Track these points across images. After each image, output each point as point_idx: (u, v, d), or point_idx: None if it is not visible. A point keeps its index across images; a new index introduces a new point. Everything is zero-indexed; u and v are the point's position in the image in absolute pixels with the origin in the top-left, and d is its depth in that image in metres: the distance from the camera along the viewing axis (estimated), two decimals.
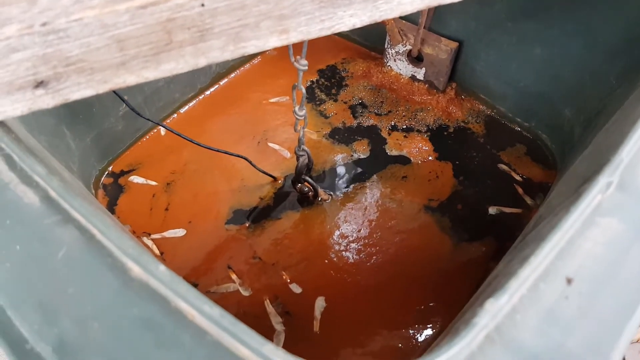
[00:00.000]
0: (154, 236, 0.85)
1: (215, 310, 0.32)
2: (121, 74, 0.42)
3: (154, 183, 0.92)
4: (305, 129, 0.97)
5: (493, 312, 0.31)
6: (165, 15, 0.39)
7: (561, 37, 0.84)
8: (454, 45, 0.95)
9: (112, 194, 0.90)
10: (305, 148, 0.79)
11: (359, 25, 0.46)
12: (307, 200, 0.89)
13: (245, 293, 0.78)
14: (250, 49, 0.44)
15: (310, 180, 0.84)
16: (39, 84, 0.40)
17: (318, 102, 1.06)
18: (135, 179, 0.92)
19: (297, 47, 0.60)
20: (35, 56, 0.39)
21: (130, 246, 0.36)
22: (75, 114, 0.83)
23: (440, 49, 0.96)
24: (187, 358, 0.32)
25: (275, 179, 0.91)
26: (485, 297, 0.37)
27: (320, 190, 0.88)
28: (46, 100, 0.42)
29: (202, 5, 0.40)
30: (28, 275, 0.36)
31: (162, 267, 0.34)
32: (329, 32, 0.46)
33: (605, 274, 0.34)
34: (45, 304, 0.35)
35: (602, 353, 0.31)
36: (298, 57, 0.64)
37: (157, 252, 0.83)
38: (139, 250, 0.36)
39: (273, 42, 0.45)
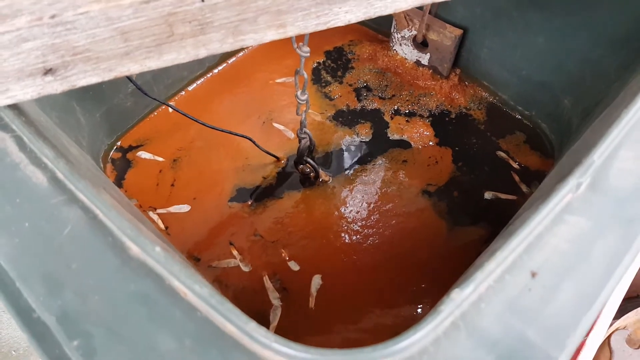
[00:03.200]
0: (159, 211, 0.88)
1: (205, 290, 0.35)
2: (125, 63, 0.44)
3: (160, 159, 0.95)
4: (310, 111, 0.99)
5: (458, 301, 0.34)
6: (167, 10, 0.42)
7: (565, 28, 0.85)
8: (458, 32, 0.95)
9: (120, 168, 0.93)
10: (307, 131, 0.81)
11: (354, 20, 0.48)
12: (308, 181, 0.92)
13: (245, 269, 0.82)
14: (249, 42, 0.47)
15: (311, 161, 0.87)
16: (48, 71, 0.43)
17: (323, 84, 1.07)
18: (143, 154, 0.95)
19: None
20: (45, 45, 0.41)
21: (129, 227, 0.39)
22: (86, 90, 0.86)
23: (445, 36, 0.97)
24: (178, 332, 0.35)
25: (278, 159, 0.94)
26: (457, 285, 0.39)
27: (322, 172, 0.91)
28: (54, 86, 0.44)
29: (202, 0, 0.42)
30: (35, 251, 0.40)
31: (157, 248, 0.37)
32: (325, 27, 0.48)
33: (568, 269, 0.37)
34: (51, 277, 0.38)
35: (558, 341, 0.34)
36: (300, 43, 0.65)
37: (162, 226, 0.86)
38: (137, 231, 0.39)
39: (271, 35, 0.47)
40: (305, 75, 0.70)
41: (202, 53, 0.46)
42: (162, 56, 0.45)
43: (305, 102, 0.74)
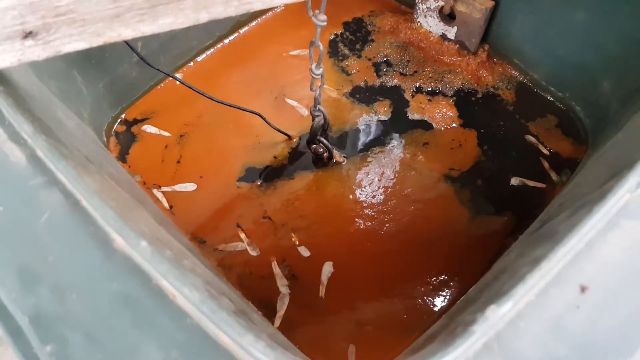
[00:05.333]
0: (164, 189, 0.83)
1: (195, 294, 0.30)
2: (115, 27, 0.39)
3: (167, 134, 0.90)
4: (325, 86, 0.93)
5: (494, 320, 0.29)
6: None
7: (606, 2, 0.77)
8: (489, 4, 0.88)
9: (125, 142, 0.89)
10: (322, 108, 0.75)
11: None
12: (321, 162, 0.86)
13: (253, 253, 0.77)
14: (257, 5, 0.41)
15: (325, 141, 0.81)
16: (28, 35, 0.38)
17: (340, 58, 1.01)
18: (149, 128, 0.90)
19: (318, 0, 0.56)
20: (22, 5, 0.36)
21: (114, 216, 0.34)
22: (88, 58, 0.81)
23: (475, 8, 0.89)
24: (165, 340, 0.30)
25: (290, 137, 0.88)
26: (489, 295, 0.34)
27: (336, 152, 0.85)
28: (36, 51, 0.39)
29: None
30: (9, 239, 0.35)
31: (144, 242, 0.32)
32: None
33: (623, 283, 0.31)
34: (25, 270, 0.34)
35: None
36: (317, 11, 0.59)
37: (166, 205, 0.81)
38: (122, 221, 0.34)
39: None
40: (321, 47, 0.64)
41: (203, 17, 0.40)
42: (158, 20, 0.39)
43: (320, 76, 0.68)
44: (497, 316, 0.29)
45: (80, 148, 0.52)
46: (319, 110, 0.75)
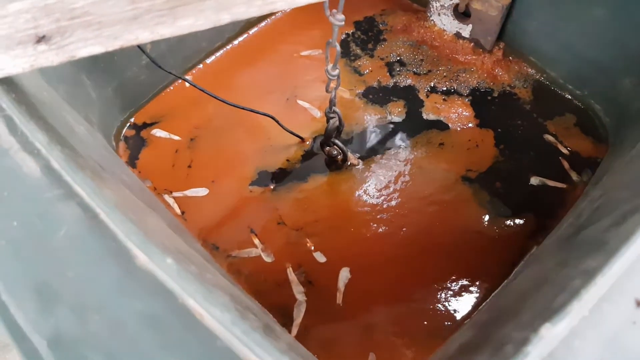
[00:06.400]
0: (175, 194, 0.81)
1: (227, 315, 0.28)
2: (133, 29, 0.37)
3: (177, 138, 0.88)
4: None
5: (549, 339, 0.27)
6: None
7: None
8: (506, 1, 0.86)
9: (134, 147, 0.87)
10: (337, 110, 0.73)
11: None
12: (335, 164, 0.84)
13: (267, 259, 0.75)
14: (281, 5, 0.39)
15: (339, 143, 0.79)
16: (41, 39, 0.36)
17: (353, 58, 0.99)
18: (158, 132, 0.89)
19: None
20: (35, 7, 0.34)
21: (136, 231, 0.32)
22: (96, 62, 0.79)
23: (491, 5, 0.87)
24: None
25: (302, 139, 0.86)
26: (537, 310, 0.32)
27: (350, 155, 0.83)
28: (50, 56, 0.37)
29: None
30: (25, 256, 0.33)
31: (169, 260, 0.30)
32: None
33: None
34: (43, 289, 0.32)
35: None
36: (334, 10, 0.57)
37: (178, 211, 0.80)
38: (144, 236, 0.32)
39: None
40: (338, 48, 0.62)
41: (225, 19, 0.38)
42: (177, 21, 0.37)
43: (336, 77, 0.66)
44: (552, 335, 0.27)
45: (92, 155, 0.50)
46: (334, 111, 0.73)
